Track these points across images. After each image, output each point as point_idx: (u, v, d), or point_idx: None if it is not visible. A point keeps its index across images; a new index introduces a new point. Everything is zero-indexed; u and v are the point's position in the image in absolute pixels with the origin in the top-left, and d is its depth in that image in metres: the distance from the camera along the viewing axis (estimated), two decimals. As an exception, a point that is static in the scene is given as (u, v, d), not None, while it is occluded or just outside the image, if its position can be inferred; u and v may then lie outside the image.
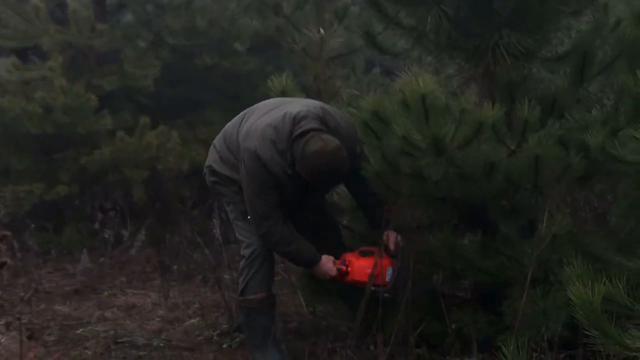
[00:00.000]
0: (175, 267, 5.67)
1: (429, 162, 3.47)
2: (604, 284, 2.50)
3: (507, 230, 3.89)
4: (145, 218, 6.21)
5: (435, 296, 3.74)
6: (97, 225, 5.97)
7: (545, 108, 3.63)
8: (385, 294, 3.70)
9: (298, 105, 3.74)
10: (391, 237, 3.81)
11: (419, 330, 3.61)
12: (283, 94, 4.28)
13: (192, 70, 6.82)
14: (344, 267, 3.78)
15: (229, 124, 3.98)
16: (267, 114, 3.75)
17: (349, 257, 3.82)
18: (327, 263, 3.78)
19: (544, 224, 3.44)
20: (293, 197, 3.75)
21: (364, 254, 3.82)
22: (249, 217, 3.81)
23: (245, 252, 3.86)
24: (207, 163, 3.97)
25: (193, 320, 4.78)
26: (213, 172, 3.93)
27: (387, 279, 3.75)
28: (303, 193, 3.77)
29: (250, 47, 6.81)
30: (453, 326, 3.66)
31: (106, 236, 5.83)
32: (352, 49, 6.34)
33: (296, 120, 3.65)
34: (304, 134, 3.60)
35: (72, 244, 6.06)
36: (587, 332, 2.49)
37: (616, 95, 3.60)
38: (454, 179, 3.55)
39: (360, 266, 3.77)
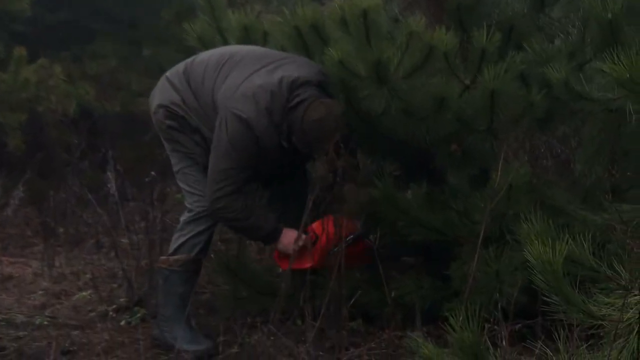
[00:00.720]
0: (61, 230, 5.68)
1: (370, 93, 3.49)
2: (567, 242, 2.52)
3: (457, 180, 3.96)
4: (24, 171, 6.13)
5: (372, 259, 3.74)
6: (-38, 181, 5.89)
7: (502, 37, 3.68)
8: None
9: (294, 66, 3.78)
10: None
11: (353, 299, 3.64)
12: (200, 40, 4.37)
13: (79, -10, 6.80)
14: (313, 235, 3.86)
15: (195, 62, 3.96)
16: (258, 73, 3.77)
17: (315, 226, 3.89)
18: (291, 234, 3.82)
19: (499, 173, 3.48)
20: (276, 167, 3.86)
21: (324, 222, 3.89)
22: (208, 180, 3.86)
23: (195, 206, 3.91)
24: (160, 101, 3.95)
25: (84, 293, 4.80)
26: (172, 115, 3.93)
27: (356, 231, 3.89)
28: (290, 162, 3.88)
29: (150, -37, 6.83)
30: (393, 294, 3.68)
31: (-26, 193, 5.77)
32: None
33: (294, 86, 3.71)
34: (301, 102, 3.68)
35: None
36: (547, 299, 2.51)
37: (582, 22, 3.71)
38: (398, 115, 3.56)
39: (330, 232, 3.84)
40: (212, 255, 4.25)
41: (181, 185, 4.01)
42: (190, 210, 3.96)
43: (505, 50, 3.72)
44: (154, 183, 4.98)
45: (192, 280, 3.99)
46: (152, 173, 4.84)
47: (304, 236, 3.81)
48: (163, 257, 4.03)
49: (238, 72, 3.83)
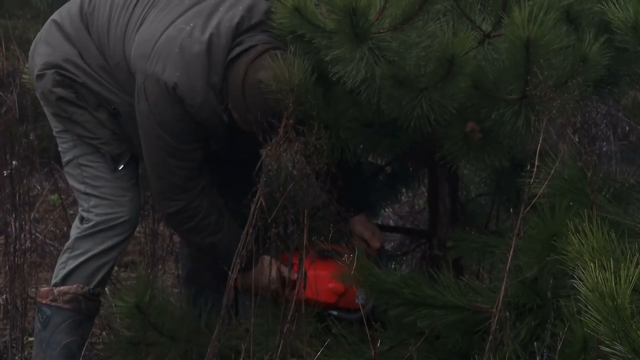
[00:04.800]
0: None
1: (341, 55, 3.03)
2: (638, 265, 2.22)
3: (475, 175, 3.64)
4: None
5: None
6: None
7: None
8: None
9: (237, 5, 3.42)
10: (367, 228, 3.49)
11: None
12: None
13: None
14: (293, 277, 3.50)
15: None
16: (186, 16, 3.40)
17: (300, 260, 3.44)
18: (269, 268, 3.47)
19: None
20: (226, 153, 3.55)
21: (323, 257, 3.44)
22: (153, 184, 3.48)
23: (95, 213, 3.51)
24: (46, 58, 3.52)
25: None
26: (65, 80, 3.49)
27: (359, 299, 3.39)
28: (238, 145, 3.55)
29: None
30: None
31: None
32: None
33: (238, 32, 3.35)
34: (244, 52, 3.32)
35: None
36: (605, 349, 2.23)
37: None
38: (385, 86, 3.10)
39: (321, 277, 3.40)
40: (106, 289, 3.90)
41: (72, 182, 3.59)
42: (86, 220, 3.52)
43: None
44: (17, 178, 4.47)
45: (84, 326, 3.54)
46: (14, 163, 4.48)
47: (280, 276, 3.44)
48: (44, 289, 3.53)
49: (158, 15, 3.42)
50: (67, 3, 3.61)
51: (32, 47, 3.64)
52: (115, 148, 3.52)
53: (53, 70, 3.52)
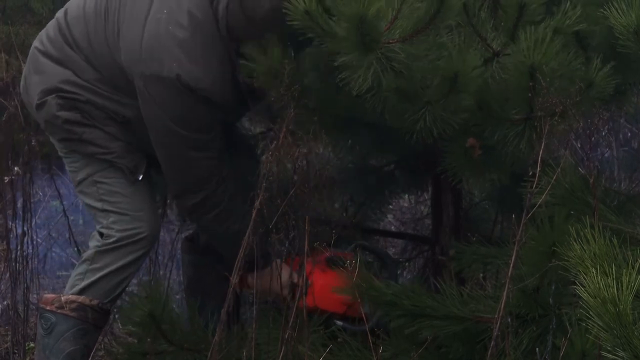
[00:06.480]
0: None
1: (350, 62, 2.98)
2: (638, 269, 2.20)
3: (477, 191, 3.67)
4: None
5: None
6: None
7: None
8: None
9: None
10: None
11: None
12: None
13: None
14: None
15: (69, 18, 3.47)
16: (154, 3, 3.30)
17: (309, 266, 3.39)
18: (287, 271, 3.39)
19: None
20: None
21: (330, 264, 3.42)
22: (170, 185, 3.46)
23: (116, 230, 3.43)
24: (44, 85, 3.42)
25: None
26: (68, 102, 3.39)
27: (365, 308, 3.28)
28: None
29: None
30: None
31: None
32: None
33: None
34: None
35: None
36: (607, 356, 2.20)
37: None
38: (390, 96, 3.09)
39: (329, 286, 3.35)
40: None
41: (88, 201, 3.48)
42: (106, 236, 3.42)
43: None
44: (18, 184, 4.40)
45: (89, 336, 3.45)
46: (16, 169, 4.44)
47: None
48: (49, 295, 3.45)
49: (131, 14, 3.33)
50: (43, 30, 3.55)
51: (22, 83, 3.57)
52: (130, 160, 3.44)
53: (53, 95, 3.44)
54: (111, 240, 3.41)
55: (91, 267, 3.43)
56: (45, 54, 3.45)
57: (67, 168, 3.53)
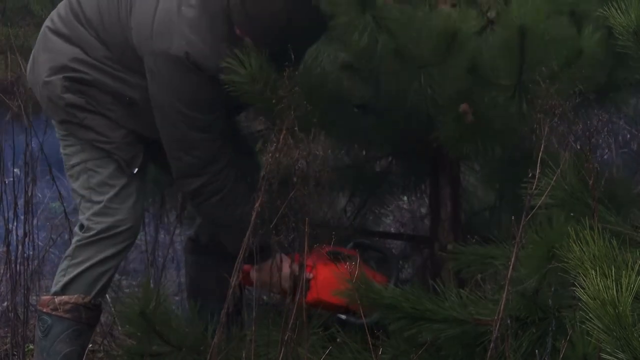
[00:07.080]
0: None
1: (346, 21, 3.06)
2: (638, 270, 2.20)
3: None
4: None
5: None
6: None
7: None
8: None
9: None
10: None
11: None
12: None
13: None
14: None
15: None
16: None
17: (310, 261, 3.31)
18: (288, 263, 3.34)
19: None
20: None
21: (332, 257, 3.37)
22: (174, 172, 3.41)
23: (96, 222, 3.42)
24: (53, 62, 3.43)
25: None
26: (75, 83, 3.40)
27: None
28: None
29: None
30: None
31: None
32: None
33: None
34: None
35: None
36: (607, 358, 2.18)
37: None
38: (385, 57, 3.12)
39: (333, 279, 3.28)
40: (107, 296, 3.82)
41: (76, 187, 3.47)
42: (87, 229, 3.42)
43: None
44: (19, 183, 4.37)
45: (84, 336, 3.46)
46: (16, 171, 4.49)
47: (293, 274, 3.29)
48: (45, 297, 3.45)
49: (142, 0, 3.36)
50: (55, 9, 3.56)
51: (30, 61, 3.58)
52: (127, 152, 3.44)
53: (61, 76, 3.43)
54: (91, 233, 3.42)
55: (72, 263, 3.44)
56: (55, 32, 3.45)
57: (61, 150, 3.53)
